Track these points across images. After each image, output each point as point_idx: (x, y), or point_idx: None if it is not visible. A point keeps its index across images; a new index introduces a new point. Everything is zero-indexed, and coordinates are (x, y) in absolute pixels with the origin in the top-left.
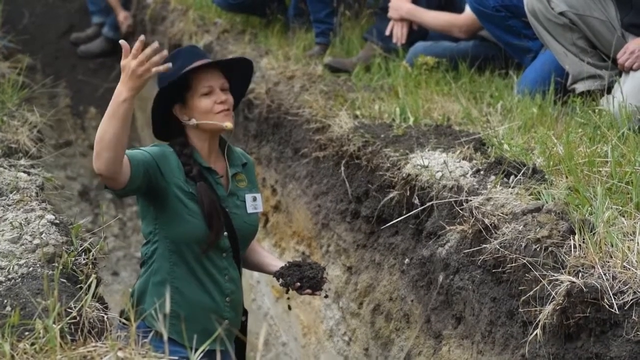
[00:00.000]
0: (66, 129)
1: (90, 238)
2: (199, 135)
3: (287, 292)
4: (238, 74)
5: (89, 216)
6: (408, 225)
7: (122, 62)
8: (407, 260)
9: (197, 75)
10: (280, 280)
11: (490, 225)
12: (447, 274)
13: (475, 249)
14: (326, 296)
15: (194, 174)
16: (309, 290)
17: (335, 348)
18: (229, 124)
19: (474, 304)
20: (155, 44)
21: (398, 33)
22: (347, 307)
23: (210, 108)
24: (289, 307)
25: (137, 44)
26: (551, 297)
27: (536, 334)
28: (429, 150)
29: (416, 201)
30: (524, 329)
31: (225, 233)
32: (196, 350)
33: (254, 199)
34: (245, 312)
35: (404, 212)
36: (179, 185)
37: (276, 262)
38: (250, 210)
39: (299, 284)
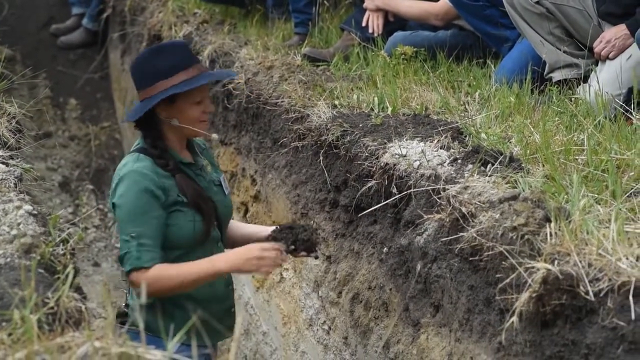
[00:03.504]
0: (46, 120)
1: (68, 229)
2: (176, 133)
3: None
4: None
5: (70, 207)
6: (386, 214)
7: (264, 250)
8: (385, 249)
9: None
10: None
11: (468, 213)
12: (425, 262)
13: (452, 237)
14: (316, 257)
15: (171, 167)
16: (303, 253)
17: (315, 337)
18: (215, 135)
19: (451, 292)
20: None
21: (374, 23)
22: (327, 296)
23: (198, 117)
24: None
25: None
26: (527, 284)
27: (513, 322)
28: (406, 140)
29: (394, 190)
30: (501, 317)
31: (215, 222)
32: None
33: (224, 180)
34: None
35: (383, 201)
36: (175, 198)
37: (264, 229)
38: (226, 191)
39: (293, 246)
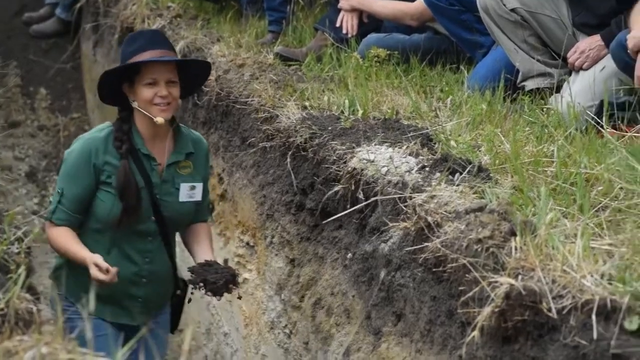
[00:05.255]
0: (15, 109)
1: (25, 227)
2: (142, 118)
3: (193, 289)
4: (194, 69)
5: (36, 198)
6: (352, 219)
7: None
8: (349, 255)
9: (146, 65)
10: (188, 278)
11: (433, 223)
12: (389, 270)
13: (417, 247)
14: (239, 297)
15: (123, 151)
16: (209, 293)
17: (276, 340)
18: (160, 119)
19: (414, 302)
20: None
21: (348, 24)
22: (289, 300)
23: (149, 99)
24: (239, 297)
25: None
26: (490, 299)
27: (474, 336)
28: (375, 145)
29: (361, 196)
30: (462, 329)
31: (153, 218)
32: (115, 324)
33: (192, 188)
34: (181, 286)
35: (349, 206)
36: (106, 180)
37: (203, 256)
38: (182, 198)
39: (202, 284)
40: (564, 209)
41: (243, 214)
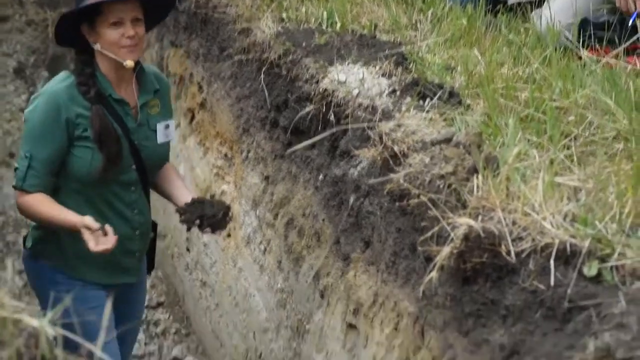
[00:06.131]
0: (2, 3)
1: None
2: (106, 62)
3: (188, 229)
4: (157, 3)
5: (24, 95)
6: (324, 140)
7: (86, 233)
8: (321, 177)
9: (110, 4)
10: (181, 217)
11: (400, 152)
12: (358, 196)
13: (382, 179)
14: (228, 235)
15: (92, 96)
16: (208, 229)
17: (252, 256)
18: (129, 62)
19: (381, 231)
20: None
21: None
22: (264, 217)
23: (116, 40)
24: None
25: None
26: (450, 238)
27: (434, 274)
28: (348, 64)
29: (332, 118)
30: (426, 264)
31: (134, 166)
32: (113, 286)
33: (166, 127)
34: (154, 227)
35: (320, 127)
36: (81, 134)
37: (185, 196)
38: (161, 139)
39: (198, 221)
40: (535, 139)
41: (221, 125)
